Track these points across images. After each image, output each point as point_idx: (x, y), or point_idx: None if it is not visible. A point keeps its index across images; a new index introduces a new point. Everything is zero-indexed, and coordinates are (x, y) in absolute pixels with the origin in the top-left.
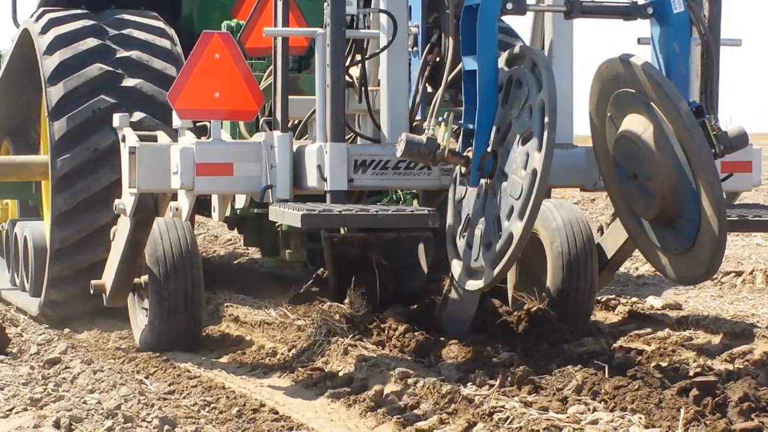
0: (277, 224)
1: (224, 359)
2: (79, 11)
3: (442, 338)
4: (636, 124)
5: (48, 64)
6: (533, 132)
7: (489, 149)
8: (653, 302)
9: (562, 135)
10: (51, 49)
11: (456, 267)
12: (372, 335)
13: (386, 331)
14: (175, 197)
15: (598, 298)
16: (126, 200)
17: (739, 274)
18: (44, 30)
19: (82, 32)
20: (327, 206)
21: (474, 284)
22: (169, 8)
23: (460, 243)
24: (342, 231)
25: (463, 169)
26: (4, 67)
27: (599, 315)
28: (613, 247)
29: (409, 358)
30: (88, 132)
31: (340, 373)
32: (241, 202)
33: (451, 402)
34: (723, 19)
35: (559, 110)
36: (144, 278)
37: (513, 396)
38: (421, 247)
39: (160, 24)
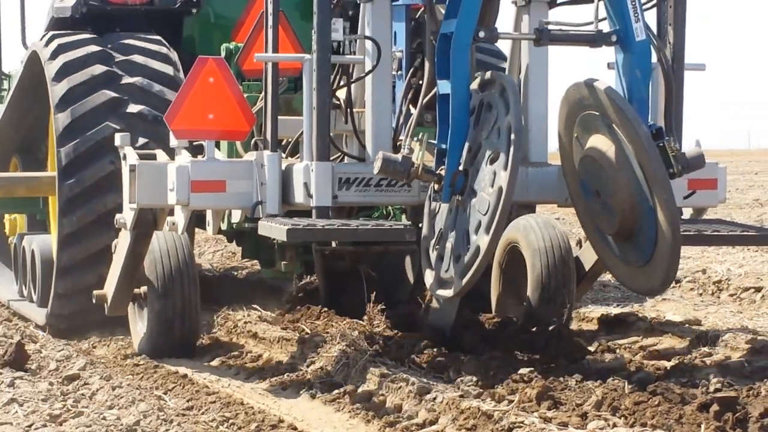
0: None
1: (242, 375)
2: (86, 36)
3: (460, 354)
4: (599, 144)
5: (56, 91)
6: (500, 152)
7: (461, 168)
8: (672, 317)
9: (538, 154)
10: (59, 76)
11: (429, 277)
12: (391, 351)
13: (405, 347)
14: (172, 212)
15: (620, 311)
16: (126, 215)
17: (758, 290)
18: (53, 56)
19: (90, 59)
20: (311, 221)
21: (444, 293)
22: (170, 30)
23: (433, 255)
24: (333, 244)
25: (437, 186)
26: (14, 87)
27: (618, 330)
28: (591, 259)
29: (428, 374)
30: (94, 157)
31: (359, 389)
32: (237, 216)
33: (470, 418)
34: (688, 45)
35: (535, 131)
36: (143, 288)
37: (532, 412)
38: (407, 259)
39: (164, 50)
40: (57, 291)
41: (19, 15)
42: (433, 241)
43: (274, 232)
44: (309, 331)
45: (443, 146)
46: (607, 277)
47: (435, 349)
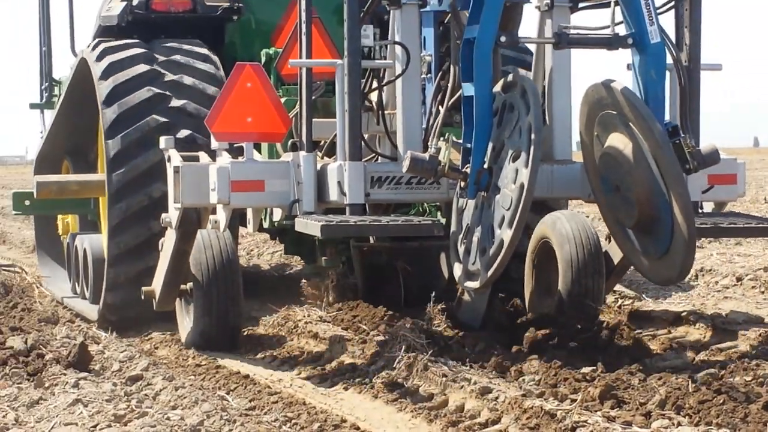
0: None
1: (304, 375)
2: (130, 41)
3: (523, 352)
4: (618, 142)
5: (103, 88)
6: (521, 150)
7: (485, 166)
8: (734, 316)
9: (562, 152)
10: (106, 75)
11: (457, 269)
12: (452, 351)
13: (466, 347)
14: (214, 211)
15: (681, 309)
16: (172, 214)
17: None
18: (99, 57)
19: (134, 59)
20: (345, 218)
21: (471, 284)
22: (213, 36)
23: (461, 249)
24: (371, 240)
25: (462, 183)
26: (64, 93)
27: (680, 328)
28: (619, 253)
29: (490, 373)
30: (140, 148)
31: (421, 389)
32: (278, 215)
33: (533, 417)
34: (705, 45)
35: (559, 130)
36: (189, 285)
37: (595, 411)
38: (442, 255)
39: (204, 50)
40: (108, 281)
41: (68, 24)
42: (461, 236)
43: (310, 228)
44: (370, 331)
45: (468, 145)
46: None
47: (497, 349)
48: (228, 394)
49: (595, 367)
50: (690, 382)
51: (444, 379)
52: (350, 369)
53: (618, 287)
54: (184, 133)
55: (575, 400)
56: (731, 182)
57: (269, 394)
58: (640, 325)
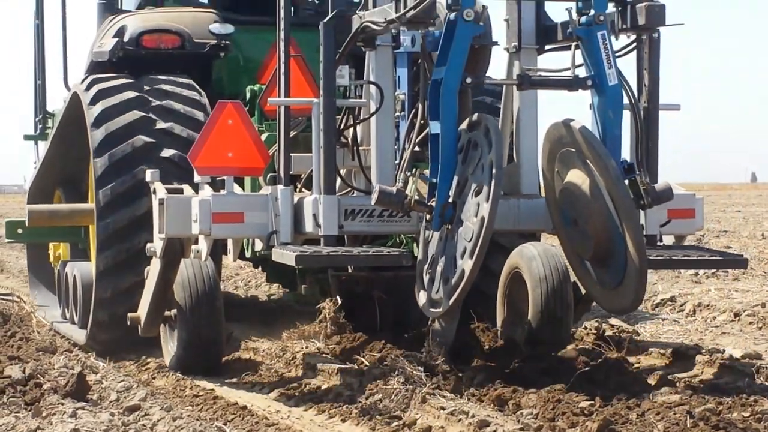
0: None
1: (301, 406)
2: (123, 81)
3: (520, 387)
4: (576, 177)
5: (96, 136)
6: (483, 185)
7: (450, 200)
8: (732, 351)
9: (529, 187)
10: (95, 100)
11: (422, 297)
12: (449, 383)
13: (465, 380)
14: (197, 241)
15: (679, 345)
16: (156, 244)
17: None
18: (89, 87)
19: (122, 87)
20: (318, 248)
21: (434, 312)
22: (201, 72)
23: (426, 278)
24: (349, 269)
25: (428, 216)
26: (56, 126)
27: (678, 364)
28: None
29: (488, 406)
30: (128, 199)
31: (419, 422)
32: (260, 245)
33: None
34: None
35: (525, 165)
36: (173, 311)
37: None
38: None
39: (196, 95)
40: (95, 319)
41: (61, 58)
42: (426, 266)
43: (286, 258)
44: (367, 363)
45: (434, 180)
46: (666, 313)
47: (494, 382)
48: (225, 424)
49: (593, 402)
50: (688, 417)
51: (442, 411)
52: (348, 400)
53: (615, 321)
54: (169, 152)
55: None
56: (690, 216)
57: (267, 425)
58: (638, 360)
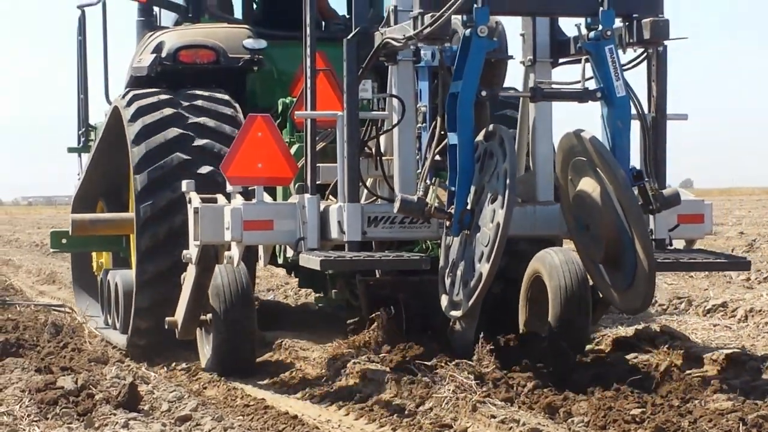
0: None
1: (352, 416)
2: (162, 98)
3: (571, 394)
4: (588, 185)
5: (132, 130)
6: (498, 193)
7: (468, 207)
8: None
9: (544, 193)
10: (134, 117)
11: (444, 300)
12: (500, 392)
13: (515, 388)
14: (229, 247)
15: (731, 351)
16: (192, 251)
17: None
18: (129, 103)
19: (160, 104)
20: (342, 253)
21: (455, 313)
22: (235, 86)
23: (447, 281)
24: (376, 274)
25: (448, 223)
26: (98, 138)
27: (730, 370)
28: None
29: (539, 414)
30: (167, 214)
31: (469, 430)
32: (290, 251)
33: None
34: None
35: (541, 173)
36: (209, 315)
37: None
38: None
39: (230, 110)
40: (135, 326)
41: (103, 73)
42: (447, 270)
43: (311, 263)
44: (418, 372)
45: (453, 188)
46: (717, 319)
47: (545, 390)
48: None
49: (644, 409)
50: (741, 424)
51: (493, 420)
52: (398, 410)
53: (667, 329)
54: (205, 169)
55: None
56: (699, 221)
57: None
58: (690, 366)
